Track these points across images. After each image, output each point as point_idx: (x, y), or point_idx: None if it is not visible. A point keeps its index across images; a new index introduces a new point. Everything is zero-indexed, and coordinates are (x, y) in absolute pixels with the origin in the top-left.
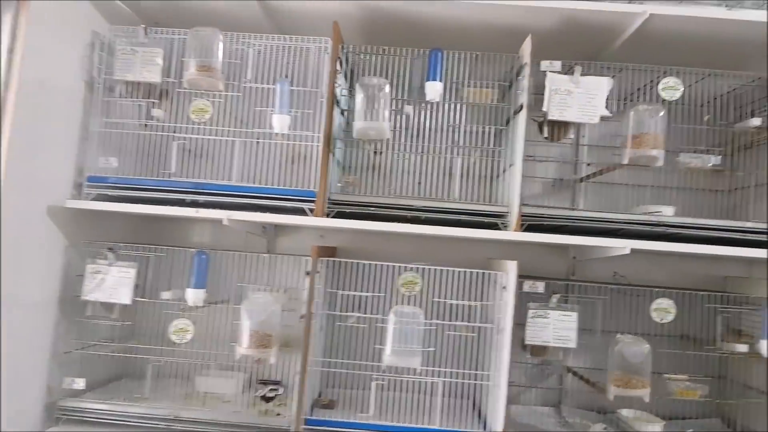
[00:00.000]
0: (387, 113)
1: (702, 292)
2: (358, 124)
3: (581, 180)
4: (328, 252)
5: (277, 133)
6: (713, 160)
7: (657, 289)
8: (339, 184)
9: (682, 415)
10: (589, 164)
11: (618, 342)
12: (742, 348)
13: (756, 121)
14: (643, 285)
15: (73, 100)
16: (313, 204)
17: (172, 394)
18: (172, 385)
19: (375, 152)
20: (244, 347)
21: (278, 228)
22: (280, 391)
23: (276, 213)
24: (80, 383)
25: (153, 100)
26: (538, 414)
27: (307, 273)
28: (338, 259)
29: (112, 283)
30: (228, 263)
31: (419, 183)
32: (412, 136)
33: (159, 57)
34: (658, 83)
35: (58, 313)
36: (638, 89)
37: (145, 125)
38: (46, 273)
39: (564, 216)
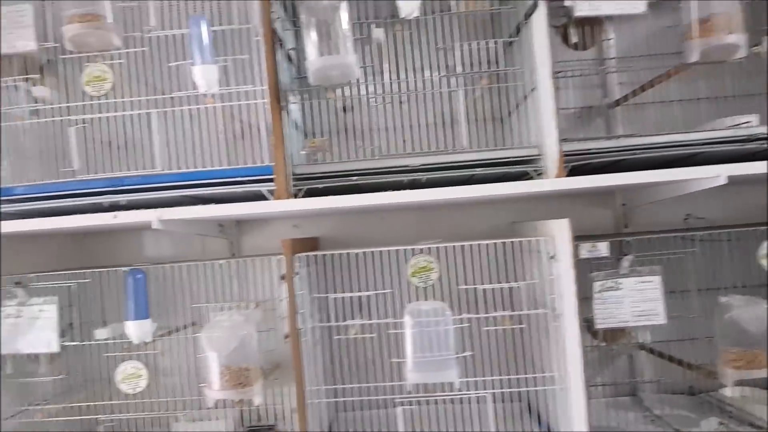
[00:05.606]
0: (349, 44)
1: None
2: (314, 64)
3: (614, 104)
4: (308, 245)
5: (205, 94)
6: None
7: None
8: (302, 152)
9: None
10: (621, 83)
11: (727, 307)
12: None
13: None
14: (740, 225)
15: None
16: (272, 183)
17: None
18: None
19: (344, 109)
20: (215, 389)
21: (240, 225)
22: None
23: (223, 204)
24: None
25: (32, 76)
26: (614, 408)
27: (282, 277)
28: (322, 252)
29: (30, 327)
30: (182, 278)
31: (404, 140)
32: (390, 72)
33: (28, 16)
34: None
35: None
36: None
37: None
38: None
39: (622, 147)
